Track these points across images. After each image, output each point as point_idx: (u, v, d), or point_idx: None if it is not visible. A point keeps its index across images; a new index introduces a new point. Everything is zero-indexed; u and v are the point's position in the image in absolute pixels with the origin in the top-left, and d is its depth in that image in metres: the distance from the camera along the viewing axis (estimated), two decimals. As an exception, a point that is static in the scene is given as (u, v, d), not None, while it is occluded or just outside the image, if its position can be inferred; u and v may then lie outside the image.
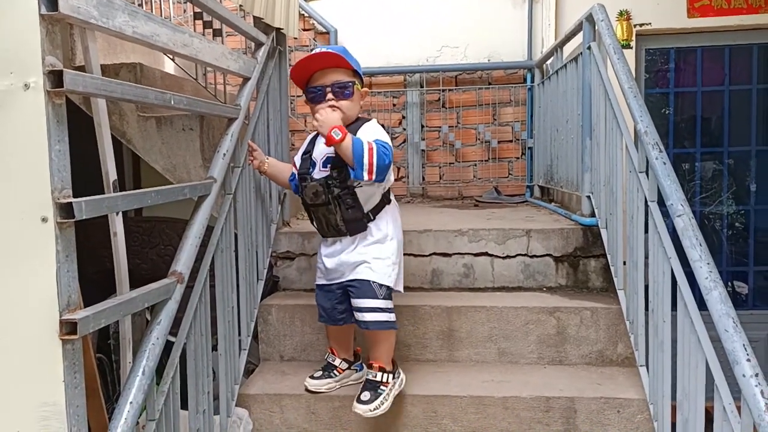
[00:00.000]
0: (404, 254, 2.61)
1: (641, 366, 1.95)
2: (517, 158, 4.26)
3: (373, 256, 1.94)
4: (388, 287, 1.95)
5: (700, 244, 1.49)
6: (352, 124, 1.92)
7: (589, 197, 2.58)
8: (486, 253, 2.61)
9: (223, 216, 1.88)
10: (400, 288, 2.05)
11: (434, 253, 2.64)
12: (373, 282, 1.93)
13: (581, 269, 2.57)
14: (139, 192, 1.32)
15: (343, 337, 2.15)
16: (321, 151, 1.99)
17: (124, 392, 1.26)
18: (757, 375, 1.22)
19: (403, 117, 4.37)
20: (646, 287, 1.93)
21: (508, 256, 2.60)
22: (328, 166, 1.92)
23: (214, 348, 1.79)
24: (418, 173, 4.34)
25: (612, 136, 2.21)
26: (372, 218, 1.95)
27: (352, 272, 1.96)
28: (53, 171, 1.06)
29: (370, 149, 1.79)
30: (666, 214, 1.70)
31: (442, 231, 2.64)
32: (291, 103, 4.43)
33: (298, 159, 2.09)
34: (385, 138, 1.91)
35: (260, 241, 2.35)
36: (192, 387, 1.61)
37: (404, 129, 4.37)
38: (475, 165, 4.32)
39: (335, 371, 2.14)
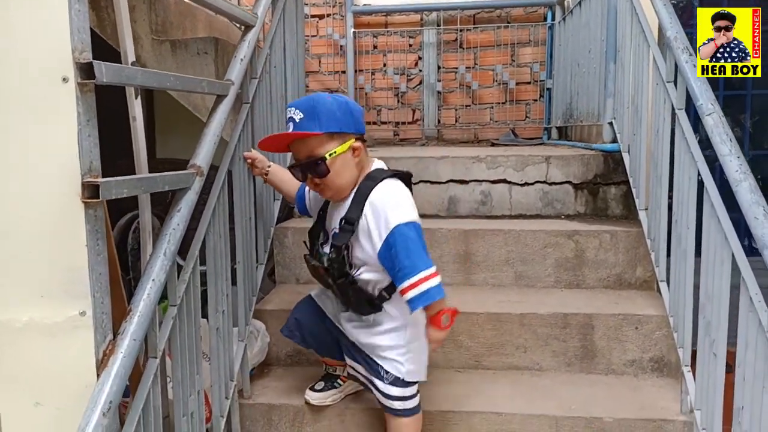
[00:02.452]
0: (421, 181, 2.60)
1: (662, 281, 1.93)
2: (535, 100, 4.18)
3: (381, 344, 1.63)
4: (399, 378, 1.63)
5: (730, 140, 1.45)
6: (358, 190, 1.55)
7: (611, 123, 2.53)
8: (504, 180, 2.58)
9: (240, 124, 1.86)
10: (419, 378, 1.67)
11: (451, 180, 2.61)
12: (382, 368, 1.64)
13: (601, 196, 2.54)
14: (160, 72, 1.30)
15: (335, 349, 1.81)
16: (334, 221, 1.62)
17: (147, 271, 1.26)
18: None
19: (419, 58, 4.29)
20: (669, 205, 1.90)
21: (526, 183, 2.57)
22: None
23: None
24: (433, 116, 4.28)
25: (639, 52, 2.15)
26: (387, 297, 1.60)
27: (354, 338, 1.69)
28: (73, 30, 1.04)
29: (425, 278, 1.46)
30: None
31: (459, 157, 2.61)
32: (305, 43, 4.37)
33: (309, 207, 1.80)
34: (408, 212, 1.50)
35: (277, 158, 2.33)
36: (212, 285, 1.61)
37: (420, 70, 4.29)
38: (492, 107, 4.24)
39: (338, 380, 1.89)
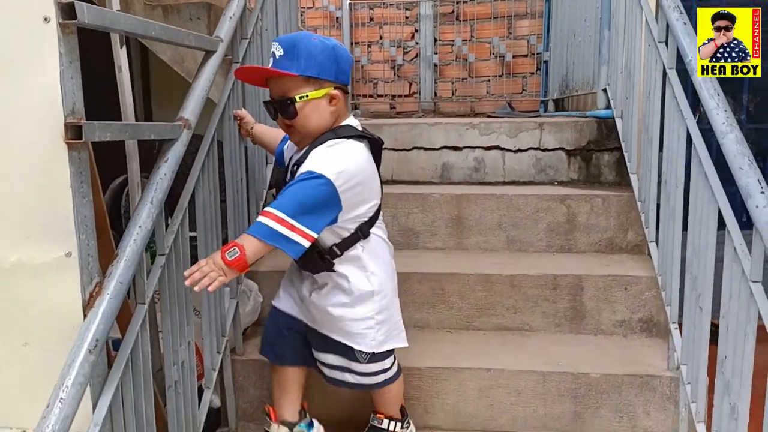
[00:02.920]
0: (414, 148, 2.60)
1: (651, 242, 1.94)
2: (532, 73, 4.16)
3: (348, 317, 1.53)
4: (372, 353, 1.55)
5: (718, 94, 1.45)
6: (315, 139, 1.47)
7: (605, 90, 2.52)
8: (497, 147, 2.58)
9: (229, 83, 1.85)
10: (397, 344, 1.60)
11: (444, 147, 2.61)
12: (349, 347, 1.55)
13: (594, 163, 2.54)
14: (144, 19, 1.29)
15: (292, 382, 1.69)
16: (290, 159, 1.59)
17: (133, 218, 1.27)
18: (770, 205, 1.20)
19: (416, 30, 4.27)
20: (659, 168, 1.90)
21: (519, 150, 2.57)
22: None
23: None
24: (430, 89, 4.27)
25: (632, 16, 2.14)
26: (338, 253, 1.49)
27: (320, 325, 1.59)
28: (53, -32, 1.04)
29: (275, 217, 1.33)
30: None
31: (452, 124, 2.61)
32: (301, 15, 4.34)
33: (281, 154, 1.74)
34: (330, 166, 1.37)
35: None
36: (201, 241, 1.62)
37: (416, 43, 4.27)
38: (489, 81, 4.23)
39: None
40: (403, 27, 4.27)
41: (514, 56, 4.13)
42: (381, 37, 4.30)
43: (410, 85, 4.32)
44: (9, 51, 1.08)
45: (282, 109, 1.46)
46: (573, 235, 2.29)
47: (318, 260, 1.50)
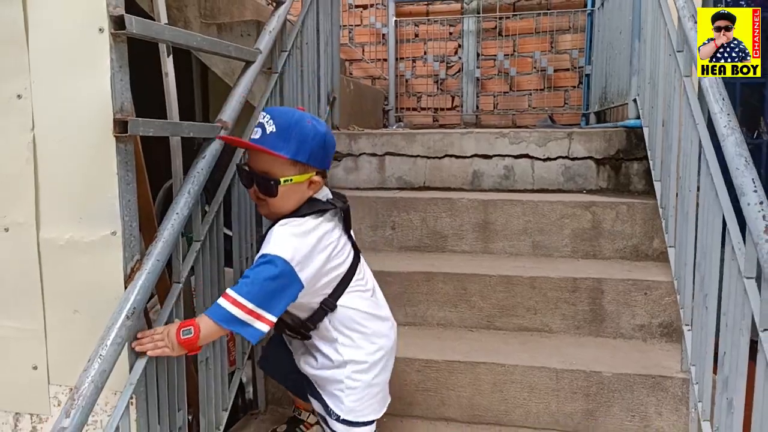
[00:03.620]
0: (446, 155, 2.70)
1: (670, 247, 1.97)
2: (574, 87, 4.21)
3: (320, 376, 1.56)
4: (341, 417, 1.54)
5: (723, 99, 1.50)
6: (284, 218, 1.46)
7: (635, 100, 2.56)
8: (527, 155, 2.66)
9: (268, 91, 2.02)
10: (366, 417, 1.55)
11: (475, 155, 2.70)
12: (327, 404, 1.56)
13: (623, 172, 2.57)
14: (186, 32, 1.47)
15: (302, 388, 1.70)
16: None
17: (172, 207, 1.43)
18: (761, 203, 1.25)
19: (459, 45, 4.39)
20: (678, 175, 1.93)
21: (548, 159, 2.64)
22: None
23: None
24: (472, 102, 4.36)
25: (656, 26, 2.19)
26: (311, 327, 1.52)
27: (310, 377, 1.62)
28: (108, -13, 1.22)
29: (233, 300, 1.32)
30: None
31: (483, 133, 2.70)
32: (349, 32, 4.54)
33: None
34: (284, 247, 1.36)
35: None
36: (236, 234, 1.78)
37: (459, 57, 4.39)
38: (530, 94, 4.29)
39: (302, 426, 1.85)
40: (446, 42, 4.40)
41: (555, 70, 4.19)
42: (425, 53, 4.45)
43: (453, 98, 4.43)
44: (71, 56, 1.26)
45: (263, 186, 1.44)
46: (598, 241, 2.33)
47: (301, 329, 1.54)
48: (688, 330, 1.76)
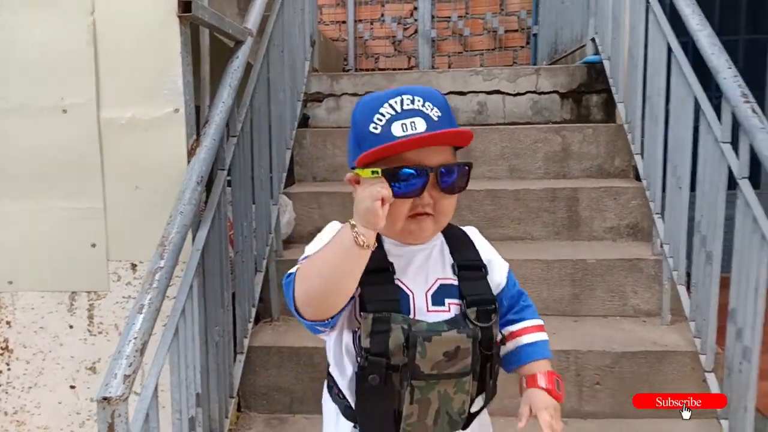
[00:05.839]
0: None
1: (636, 154, 2.25)
2: (522, 47, 4.49)
3: None
4: None
5: (693, 3, 1.76)
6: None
7: (593, 39, 2.84)
8: (498, 91, 2.88)
9: (258, 62, 2.07)
10: None
11: (451, 92, 2.90)
12: None
13: (584, 104, 2.85)
14: None
15: None
16: (421, 270, 0.98)
17: (218, 97, 1.53)
18: (736, 76, 1.51)
19: (415, 8, 4.57)
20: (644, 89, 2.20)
21: (518, 94, 2.87)
22: (453, 301, 0.96)
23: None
24: (427, 63, 4.56)
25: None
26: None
27: None
28: None
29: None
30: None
31: (458, 71, 2.91)
32: None
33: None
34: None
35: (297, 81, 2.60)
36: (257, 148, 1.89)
37: (415, 19, 4.58)
38: (482, 54, 4.55)
39: None
40: (403, 5, 4.58)
41: (506, 31, 4.46)
42: (383, 15, 4.60)
43: (409, 59, 4.62)
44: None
45: (456, 179, 0.93)
46: (567, 162, 2.59)
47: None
48: (659, 217, 2.03)
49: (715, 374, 1.69)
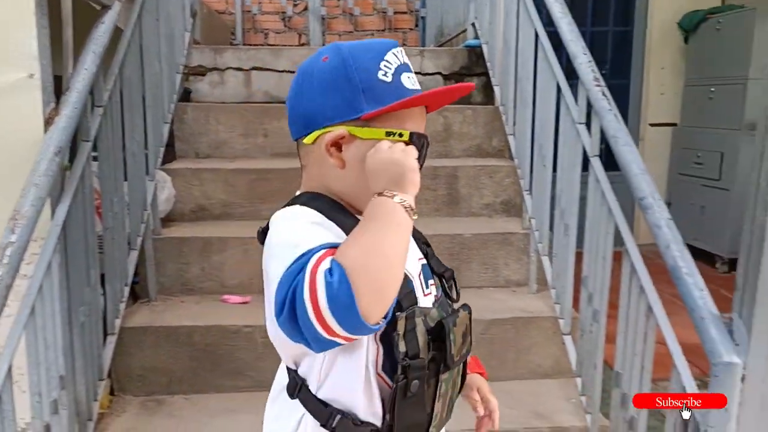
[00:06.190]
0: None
1: (510, 135, 2.38)
2: (411, 29, 4.58)
3: None
4: None
5: (561, 4, 1.88)
6: None
7: (473, 24, 2.95)
8: (383, 71, 2.92)
9: (129, 29, 1.96)
10: None
11: (338, 70, 2.91)
12: None
13: (465, 87, 2.96)
14: None
15: None
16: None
17: (80, 63, 1.44)
18: (590, 62, 1.63)
19: (305, -16, 4.51)
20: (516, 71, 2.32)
21: (403, 74, 2.93)
22: (432, 281, 0.87)
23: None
24: (318, 40, 4.52)
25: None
26: None
27: None
28: None
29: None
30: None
31: (345, 49, 2.92)
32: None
33: None
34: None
35: (176, 52, 2.49)
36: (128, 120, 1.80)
37: (305, -4, 4.53)
38: (372, 34, 4.58)
39: None
40: (292, -21, 4.50)
41: (395, 12, 4.52)
42: (271, -11, 4.51)
43: (300, 36, 4.56)
44: None
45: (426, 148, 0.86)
46: (449, 142, 2.69)
47: None
48: (528, 193, 2.17)
49: (572, 336, 1.85)
